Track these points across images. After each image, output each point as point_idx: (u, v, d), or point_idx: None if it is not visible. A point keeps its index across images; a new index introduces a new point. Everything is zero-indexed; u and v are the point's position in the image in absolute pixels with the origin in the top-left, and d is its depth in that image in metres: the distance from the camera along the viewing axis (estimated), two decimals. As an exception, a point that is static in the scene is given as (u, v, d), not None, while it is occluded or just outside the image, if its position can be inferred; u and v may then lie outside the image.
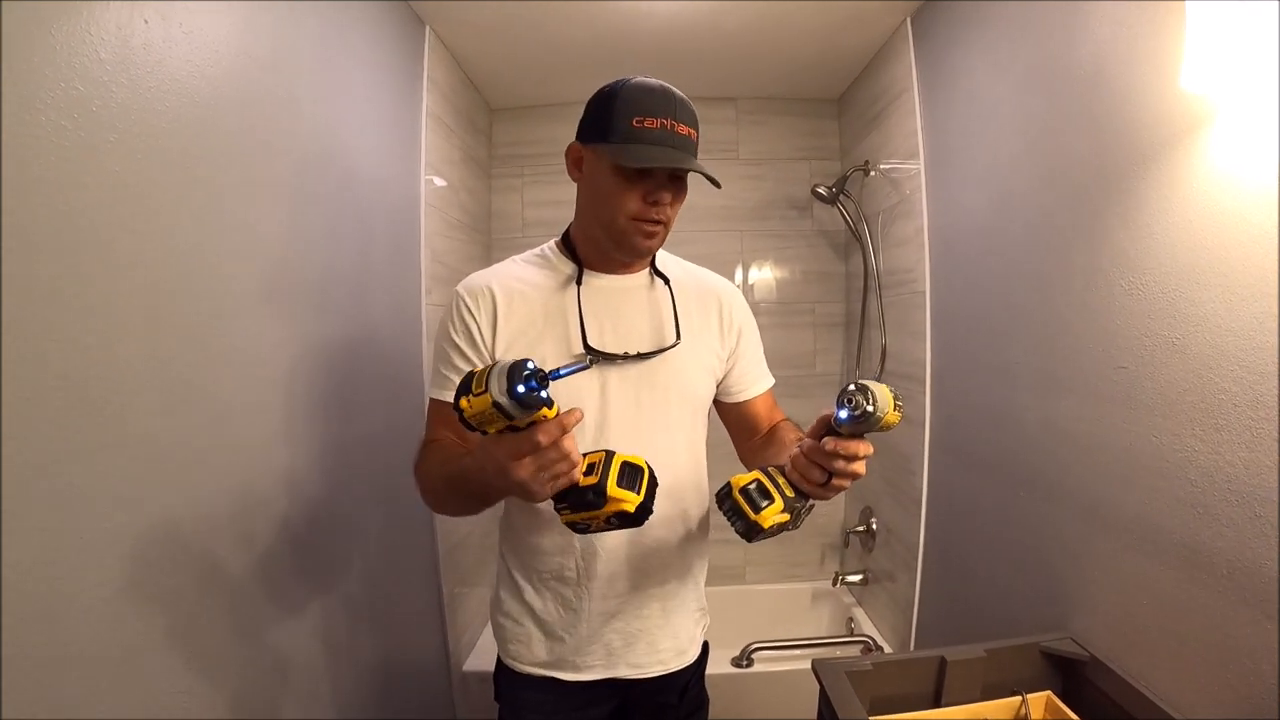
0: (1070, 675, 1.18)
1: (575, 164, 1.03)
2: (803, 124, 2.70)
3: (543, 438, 0.71)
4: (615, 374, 1.04)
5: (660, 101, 0.95)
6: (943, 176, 1.82)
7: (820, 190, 2.45)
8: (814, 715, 1.18)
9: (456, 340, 1.03)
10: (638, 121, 0.94)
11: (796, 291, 2.73)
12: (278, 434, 1.20)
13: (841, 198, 2.45)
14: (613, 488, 0.78)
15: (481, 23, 1.96)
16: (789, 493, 0.86)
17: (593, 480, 0.78)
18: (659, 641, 1.12)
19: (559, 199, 2.64)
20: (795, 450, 0.87)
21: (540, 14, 1.91)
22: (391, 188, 1.74)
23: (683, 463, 1.11)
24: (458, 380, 0.94)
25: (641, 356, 1.05)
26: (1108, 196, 1.15)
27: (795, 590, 2.69)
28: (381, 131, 1.68)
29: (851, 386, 0.78)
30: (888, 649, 2.16)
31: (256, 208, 1.15)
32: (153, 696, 0.91)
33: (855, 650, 2.12)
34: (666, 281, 1.11)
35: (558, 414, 0.73)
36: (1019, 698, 1.13)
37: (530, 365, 0.68)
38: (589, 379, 1.03)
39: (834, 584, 2.52)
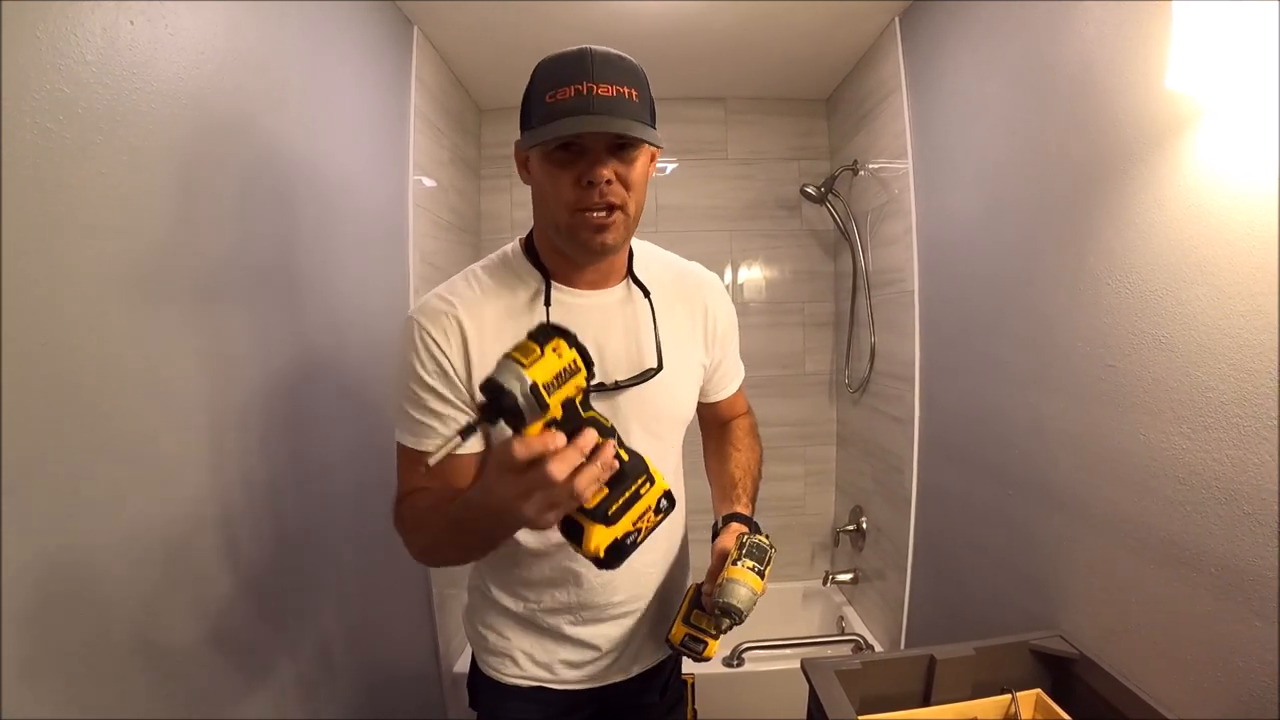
0: (1060, 673, 1.19)
1: (522, 165, 0.93)
2: (791, 124, 2.70)
3: (555, 470, 0.63)
4: (620, 401, 0.97)
5: (571, 67, 0.82)
6: (931, 176, 1.83)
7: (809, 190, 2.45)
8: (804, 715, 1.18)
9: (427, 379, 0.91)
10: (550, 97, 0.82)
11: (786, 291, 2.74)
12: (267, 437, 1.18)
13: (830, 197, 2.45)
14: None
15: (470, 23, 1.95)
16: (713, 629, 0.99)
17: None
18: (646, 646, 1.13)
19: (548, 199, 2.63)
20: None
21: (529, 14, 1.90)
22: (379, 188, 1.72)
23: (672, 482, 1.10)
24: (437, 426, 0.92)
25: (619, 386, 0.96)
26: (1095, 195, 1.16)
27: (786, 589, 2.69)
28: (369, 132, 1.66)
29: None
30: (878, 648, 2.17)
31: (244, 207, 1.13)
32: (136, 699, 0.90)
33: (845, 649, 2.13)
34: (647, 294, 1.01)
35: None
36: (1009, 696, 1.13)
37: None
38: (599, 407, 0.98)
39: (824, 583, 2.52)
